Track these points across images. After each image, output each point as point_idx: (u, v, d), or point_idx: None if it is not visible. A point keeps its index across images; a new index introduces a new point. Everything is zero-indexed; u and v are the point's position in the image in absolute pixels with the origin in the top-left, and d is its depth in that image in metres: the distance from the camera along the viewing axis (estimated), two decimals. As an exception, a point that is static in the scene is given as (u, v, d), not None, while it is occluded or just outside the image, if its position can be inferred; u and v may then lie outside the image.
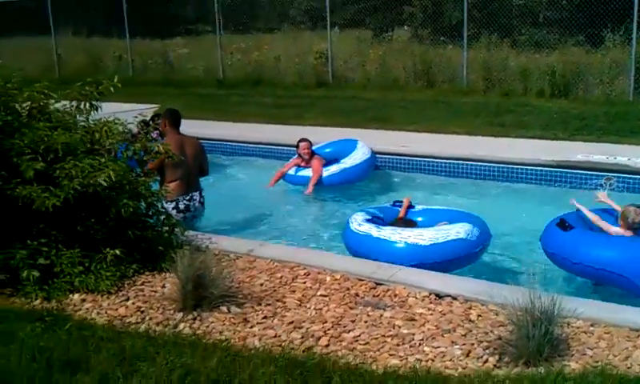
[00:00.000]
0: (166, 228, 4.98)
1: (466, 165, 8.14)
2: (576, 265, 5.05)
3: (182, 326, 3.80)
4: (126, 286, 4.38)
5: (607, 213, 5.55)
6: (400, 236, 5.22)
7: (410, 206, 6.12)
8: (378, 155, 8.63)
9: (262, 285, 4.45)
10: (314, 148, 8.26)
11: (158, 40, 20.47)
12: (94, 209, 4.59)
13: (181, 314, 3.93)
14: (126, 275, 4.50)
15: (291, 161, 8.32)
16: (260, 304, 4.11)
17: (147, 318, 3.92)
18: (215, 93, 15.54)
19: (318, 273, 4.62)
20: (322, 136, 9.28)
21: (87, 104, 5.49)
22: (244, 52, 18.20)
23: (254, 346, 3.58)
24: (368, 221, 5.60)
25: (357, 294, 4.28)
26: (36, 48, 21.56)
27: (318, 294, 4.28)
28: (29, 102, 5.24)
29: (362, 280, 4.48)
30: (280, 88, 15.48)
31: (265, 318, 3.93)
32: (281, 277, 4.57)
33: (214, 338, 3.65)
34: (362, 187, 8.22)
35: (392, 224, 5.63)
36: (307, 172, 7.97)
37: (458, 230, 5.26)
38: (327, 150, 8.52)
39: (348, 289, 4.36)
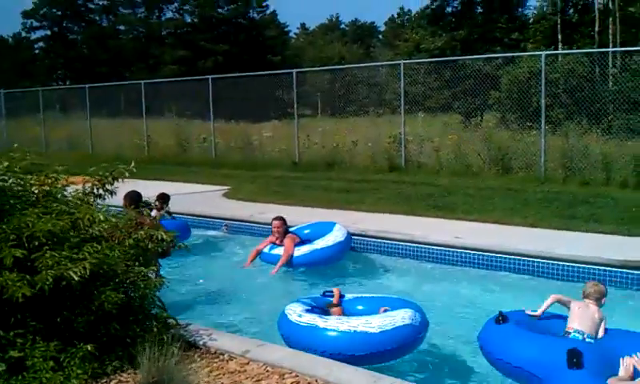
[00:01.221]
0: (155, 323, 4.68)
1: (515, 260, 7.47)
2: (498, 361, 4.75)
3: (130, 439, 3.44)
4: (98, 385, 4.09)
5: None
6: (348, 325, 5.03)
7: (341, 296, 5.89)
8: (423, 245, 8.22)
9: (242, 393, 4.04)
10: (293, 229, 8.49)
11: (247, 123, 20.98)
12: (77, 299, 4.38)
13: (135, 425, 3.57)
14: (105, 372, 4.21)
15: (267, 239, 8.41)
16: (229, 417, 3.69)
17: (101, 425, 3.59)
18: (288, 175, 15.52)
19: (308, 382, 4.15)
20: (371, 223, 9.09)
21: (101, 189, 5.45)
22: (326, 135, 18.26)
23: None
24: (308, 311, 5.33)
25: (342, 412, 3.78)
26: (132, 129, 22.64)
27: (299, 408, 3.82)
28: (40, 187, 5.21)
29: (354, 396, 3.97)
30: (352, 172, 15.28)
31: (224, 436, 3.50)
32: (266, 385, 4.14)
33: None
34: (339, 269, 8.21)
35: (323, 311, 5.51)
36: (280, 250, 8.06)
37: (403, 316, 5.13)
38: (305, 232, 8.68)
39: (336, 404, 3.87)
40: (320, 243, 8.10)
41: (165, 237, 5.21)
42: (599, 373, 4.16)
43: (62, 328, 4.31)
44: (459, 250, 7.89)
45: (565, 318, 5.09)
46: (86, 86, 23.38)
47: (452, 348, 5.68)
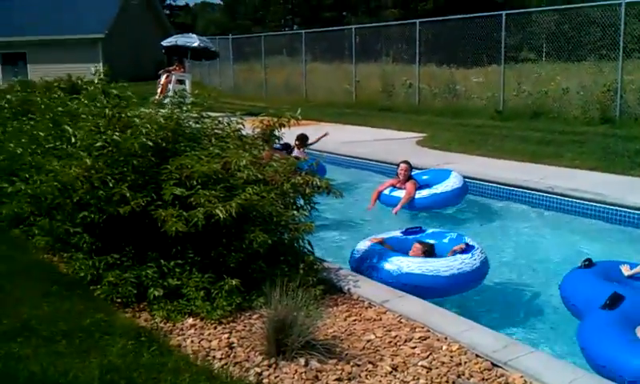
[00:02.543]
0: (302, 264, 4.89)
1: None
2: (563, 298, 5.06)
3: (252, 371, 3.69)
4: (242, 317, 4.42)
5: None
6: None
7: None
8: (613, 207, 7.54)
9: (369, 341, 4.11)
10: (415, 173, 8.88)
11: (458, 68, 20.36)
12: (231, 237, 4.73)
13: (260, 358, 3.82)
14: (250, 307, 4.54)
15: (388, 181, 8.72)
16: (348, 363, 3.78)
17: (231, 355, 3.89)
18: (489, 124, 14.94)
19: (437, 339, 4.11)
20: (562, 179, 8.64)
21: (268, 133, 5.79)
22: (542, 81, 17.10)
23: (302, 410, 3.32)
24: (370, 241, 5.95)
25: (462, 374, 3.69)
26: (344, 74, 23.20)
27: (420, 364, 3.80)
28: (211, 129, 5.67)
29: (480, 357, 3.86)
30: (559, 122, 14.26)
31: (338, 380, 3.60)
32: (395, 336, 4.17)
33: (272, 392, 3.47)
34: (455, 214, 8.54)
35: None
36: (400, 193, 8.38)
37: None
38: (424, 177, 9.03)
39: (459, 364, 3.79)
40: (439, 188, 8.42)
41: (320, 183, 5.38)
42: (633, 320, 4.12)
43: (219, 262, 4.70)
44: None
45: None
46: (303, 31, 24.36)
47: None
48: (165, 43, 21.52)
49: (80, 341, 3.85)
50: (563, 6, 19.39)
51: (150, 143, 4.62)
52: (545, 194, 8.31)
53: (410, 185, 8.42)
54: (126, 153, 4.67)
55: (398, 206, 8.19)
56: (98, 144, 4.73)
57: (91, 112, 5.27)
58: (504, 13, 16.52)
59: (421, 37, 19.15)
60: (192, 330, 4.23)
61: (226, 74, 30.19)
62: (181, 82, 20.25)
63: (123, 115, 4.92)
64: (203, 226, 4.49)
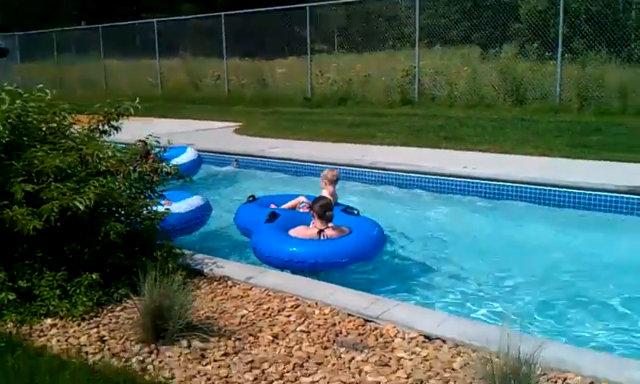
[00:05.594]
0: (159, 252, 4.79)
1: (521, 188, 7.49)
2: (238, 226, 6.60)
3: (134, 359, 3.57)
4: (104, 311, 4.23)
5: None
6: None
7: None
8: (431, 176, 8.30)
9: (243, 317, 4.15)
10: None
11: (262, 60, 20.68)
12: (84, 231, 4.49)
13: (139, 346, 3.70)
14: (111, 300, 4.36)
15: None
16: (230, 338, 3.80)
17: (105, 348, 3.71)
18: (300, 111, 15.49)
19: (308, 305, 4.26)
20: (381, 156, 9.19)
21: (106, 125, 5.51)
22: (341, 71, 17.98)
23: (196, 387, 3.29)
24: None
25: (340, 332, 3.88)
26: (146, 68, 22.54)
27: (298, 329, 3.92)
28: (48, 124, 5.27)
29: (352, 316, 4.07)
30: (365, 106, 15.18)
31: (225, 355, 3.62)
32: (267, 308, 4.26)
33: (161, 376, 3.39)
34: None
35: None
36: None
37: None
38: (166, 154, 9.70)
39: (334, 325, 3.98)
40: (176, 161, 9.25)
41: (169, 170, 5.29)
42: (286, 227, 5.80)
43: (70, 259, 4.43)
44: (467, 180, 7.90)
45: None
46: (100, 26, 23.26)
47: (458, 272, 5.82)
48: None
49: None
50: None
51: (3, 140, 4.23)
52: (367, 170, 8.84)
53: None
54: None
55: None
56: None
57: None
58: (308, 5, 17.08)
59: (226, 30, 19.19)
60: (54, 330, 3.97)
61: (12, 72, 27.85)
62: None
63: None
64: (56, 221, 4.21)
